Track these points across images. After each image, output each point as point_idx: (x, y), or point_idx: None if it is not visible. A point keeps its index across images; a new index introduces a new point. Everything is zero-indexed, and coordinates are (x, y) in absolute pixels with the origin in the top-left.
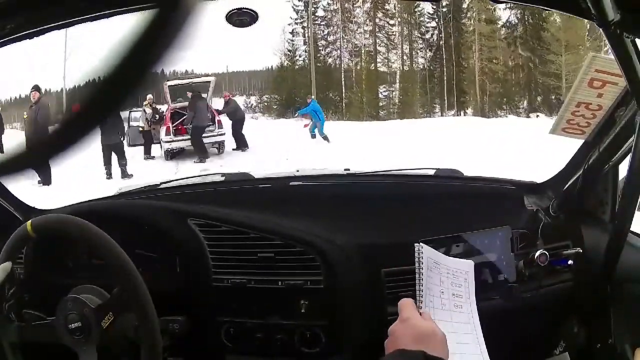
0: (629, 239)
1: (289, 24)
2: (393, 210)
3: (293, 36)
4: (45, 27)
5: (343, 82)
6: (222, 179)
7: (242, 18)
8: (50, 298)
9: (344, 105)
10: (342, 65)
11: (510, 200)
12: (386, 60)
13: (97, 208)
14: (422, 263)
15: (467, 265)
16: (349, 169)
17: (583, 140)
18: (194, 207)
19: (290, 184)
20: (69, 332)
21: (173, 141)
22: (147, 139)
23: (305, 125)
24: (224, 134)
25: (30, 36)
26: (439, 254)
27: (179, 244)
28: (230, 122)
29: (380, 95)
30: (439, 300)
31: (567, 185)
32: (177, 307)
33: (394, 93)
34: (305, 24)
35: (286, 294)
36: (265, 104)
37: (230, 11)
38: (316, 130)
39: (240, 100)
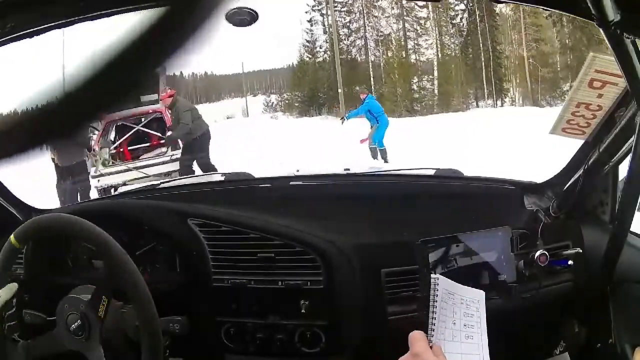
0: (629, 239)
1: (305, 12)
2: (393, 210)
3: (311, 25)
4: (45, 26)
5: (371, 74)
6: (222, 178)
7: (242, 17)
8: (50, 298)
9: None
10: (369, 55)
11: (510, 200)
12: (418, 47)
13: (97, 208)
14: (437, 295)
15: (479, 295)
16: (349, 169)
17: (583, 141)
18: (194, 207)
19: (290, 183)
20: (71, 334)
21: (105, 174)
22: (59, 176)
23: (363, 141)
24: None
25: (30, 35)
26: (453, 283)
27: (179, 244)
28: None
29: (414, 87)
30: (450, 332)
31: (567, 186)
32: (177, 307)
33: (431, 83)
34: (323, 11)
35: (286, 294)
36: (286, 101)
37: (231, 10)
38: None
39: (260, 99)
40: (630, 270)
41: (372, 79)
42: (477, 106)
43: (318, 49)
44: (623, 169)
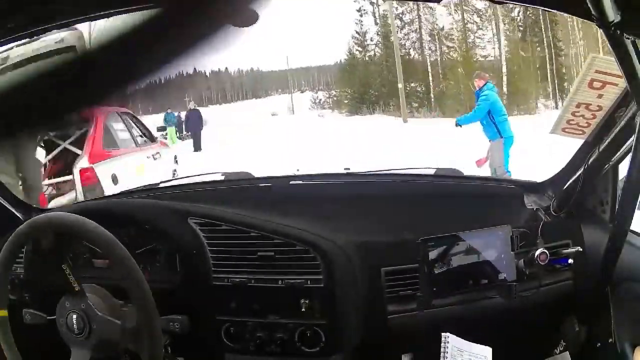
0: (628, 238)
1: (354, 1)
2: (393, 209)
3: (361, 15)
4: (45, 26)
5: (429, 70)
6: (222, 178)
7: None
8: (50, 298)
9: (432, 98)
10: (424, 49)
11: (511, 200)
12: (479, 41)
13: (97, 207)
14: (447, 352)
15: (486, 351)
16: (349, 169)
17: (583, 140)
18: (194, 206)
19: (290, 183)
20: (72, 333)
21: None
22: None
23: (481, 163)
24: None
25: (30, 35)
26: (462, 341)
27: (179, 243)
28: None
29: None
30: None
31: (567, 185)
32: (177, 306)
33: (496, 81)
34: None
35: (286, 293)
36: (335, 98)
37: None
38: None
39: (307, 95)
40: (631, 269)
41: (430, 75)
42: (537, 106)
43: (369, 41)
44: (623, 169)
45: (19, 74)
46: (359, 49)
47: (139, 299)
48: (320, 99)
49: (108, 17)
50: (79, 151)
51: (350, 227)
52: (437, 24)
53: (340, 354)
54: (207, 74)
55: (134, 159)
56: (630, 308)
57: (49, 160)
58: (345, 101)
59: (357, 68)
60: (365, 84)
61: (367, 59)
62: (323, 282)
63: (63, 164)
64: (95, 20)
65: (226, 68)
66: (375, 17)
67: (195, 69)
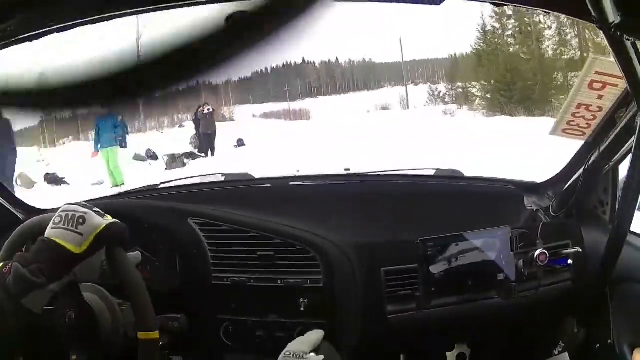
0: (628, 239)
1: None
2: (393, 209)
3: None
4: (45, 28)
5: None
6: (223, 178)
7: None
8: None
9: None
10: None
11: (510, 200)
12: None
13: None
14: None
15: None
16: (349, 169)
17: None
18: (194, 207)
19: (290, 183)
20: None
21: None
22: None
23: None
24: None
25: (30, 39)
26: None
27: (179, 243)
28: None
29: None
30: None
31: (567, 185)
32: (177, 305)
33: None
34: None
35: (286, 293)
36: (460, 90)
37: (230, 14)
38: None
39: (422, 89)
40: (630, 270)
41: None
42: None
43: (509, 18)
44: (623, 169)
45: None
46: (497, 24)
47: (135, 298)
48: (440, 92)
49: (107, 20)
50: None
51: (349, 227)
52: None
53: (339, 353)
54: (317, 64)
55: None
56: (629, 309)
57: None
58: (478, 94)
59: (495, 51)
60: (512, 69)
61: (505, 39)
62: (322, 282)
63: None
64: (96, 23)
65: (337, 58)
66: None
67: (303, 58)
